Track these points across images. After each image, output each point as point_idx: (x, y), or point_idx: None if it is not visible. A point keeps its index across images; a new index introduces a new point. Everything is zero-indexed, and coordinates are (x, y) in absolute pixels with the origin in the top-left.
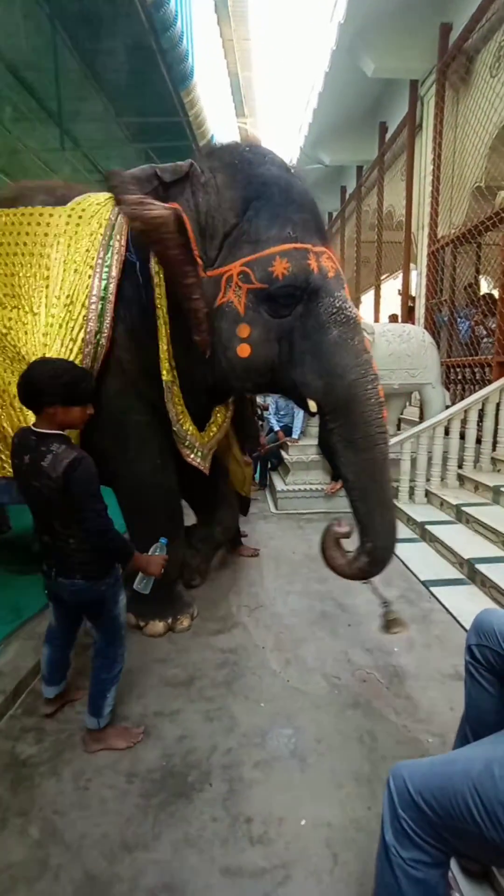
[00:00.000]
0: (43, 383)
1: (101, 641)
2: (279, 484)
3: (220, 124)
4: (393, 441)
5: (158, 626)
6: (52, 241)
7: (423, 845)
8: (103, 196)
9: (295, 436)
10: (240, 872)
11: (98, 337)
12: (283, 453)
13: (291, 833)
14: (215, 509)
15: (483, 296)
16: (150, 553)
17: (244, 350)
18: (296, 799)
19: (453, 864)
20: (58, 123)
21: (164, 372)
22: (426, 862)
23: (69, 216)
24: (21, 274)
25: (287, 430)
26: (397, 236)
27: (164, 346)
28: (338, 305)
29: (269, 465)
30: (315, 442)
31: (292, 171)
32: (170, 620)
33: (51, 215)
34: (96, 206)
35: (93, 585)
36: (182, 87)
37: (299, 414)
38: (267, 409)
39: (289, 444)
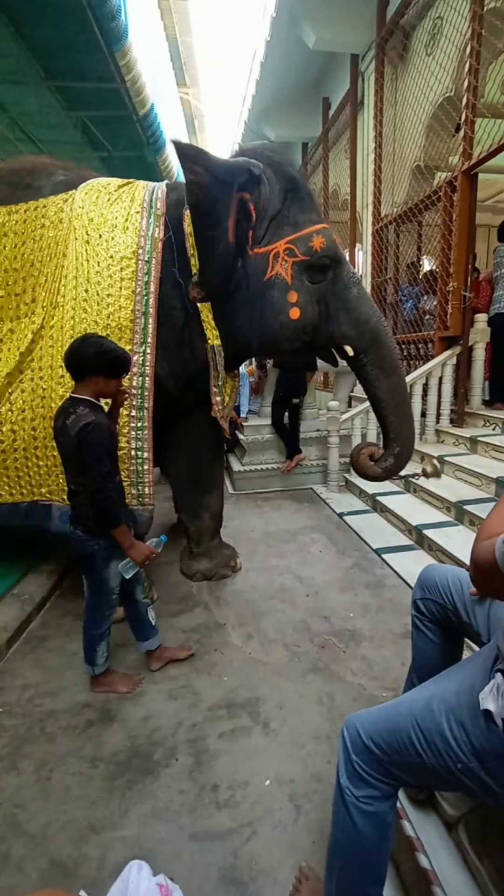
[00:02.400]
0: (91, 358)
1: (89, 599)
2: (236, 465)
3: (160, 93)
4: (344, 417)
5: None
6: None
7: (373, 783)
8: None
9: (243, 415)
10: (208, 835)
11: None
12: (238, 434)
13: (256, 794)
14: (204, 494)
15: (426, 273)
16: (148, 543)
17: (295, 313)
18: (260, 762)
19: (401, 795)
20: None
21: (212, 338)
22: (376, 796)
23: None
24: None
25: (236, 411)
26: (344, 216)
27: (206, 314)
28: (352, 271)
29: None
30: (269, 422)
31: (295, 165)
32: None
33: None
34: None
35: (86, 540)
36: (116, 48)
37: (244, 393)
38: None
39: (240, 423)
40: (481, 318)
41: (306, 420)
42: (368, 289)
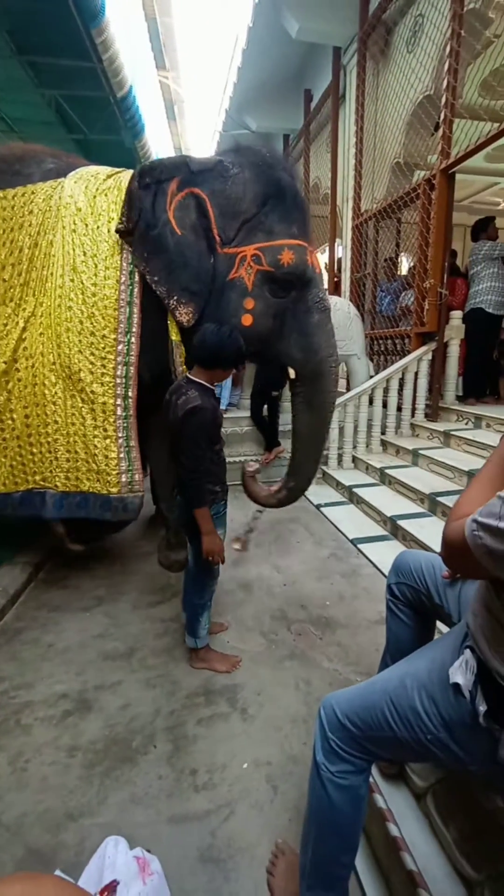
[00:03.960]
0: (231, 353)
1: (193, 566)
2: None
3: (139, 75)
4: None
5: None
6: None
7: (348, 758)
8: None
9: (223, 406)
10: (186, 817)
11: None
12: None
13: (234, 776)
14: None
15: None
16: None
17: (247, 319)
18: (238, 746)
19: (373, 771)
20: None
21: (174, 334)
22: (351, 771)
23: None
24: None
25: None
26: (325, 210)
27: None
28: (321, 296)
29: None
30: (248, 414)
31: (295, 176)
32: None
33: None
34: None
35: (188, 507)
36: (93, 24)
37: (227, 384)
38: None
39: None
40: (456, 315)
41: (285, 413)
42: (346, 283)
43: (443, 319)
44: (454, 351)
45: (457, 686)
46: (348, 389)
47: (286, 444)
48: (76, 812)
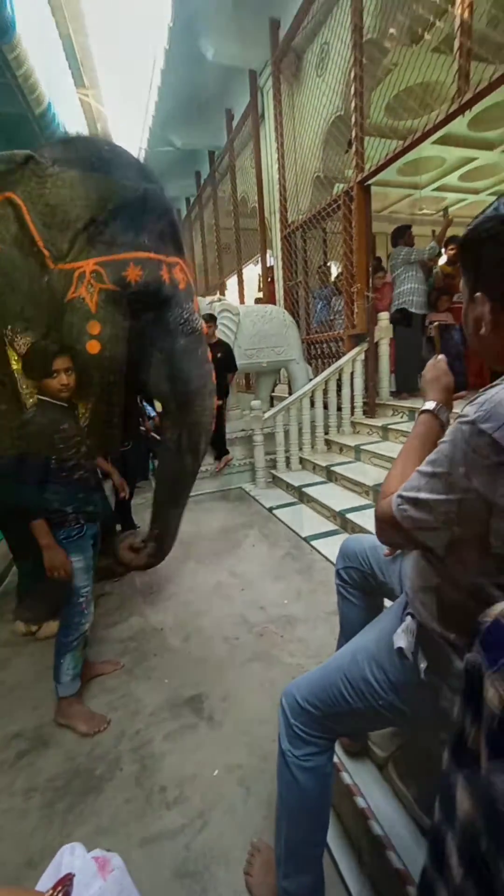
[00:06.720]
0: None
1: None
2: None
3: (56, 91)
4: (266, 416)
5: (53, 626)
6: None
7: (311, 740)
8: None
9: None
10: (159, 836)
11: None
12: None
13: (206, 785)
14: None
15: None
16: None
17: (94, 346)
18: (207, 755)
19: (338, 750)
20: None
21: (14, 363)
22: (315, 752)
23: None
24: None
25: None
26: (254, 223)
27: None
28: (185, 317)
29: (151, 454)
30: None
31: (153, 178)
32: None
33: None
34: None
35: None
36: (3, 40)
37: None
38: None
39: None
40: (384, 317)
41: (231, 421)
42: (280, 292)
43: (372, 321)
44: (384, 350)
45: (401, 650)
46: (290, 393)
47: (234, 452)
48: (37, 857)
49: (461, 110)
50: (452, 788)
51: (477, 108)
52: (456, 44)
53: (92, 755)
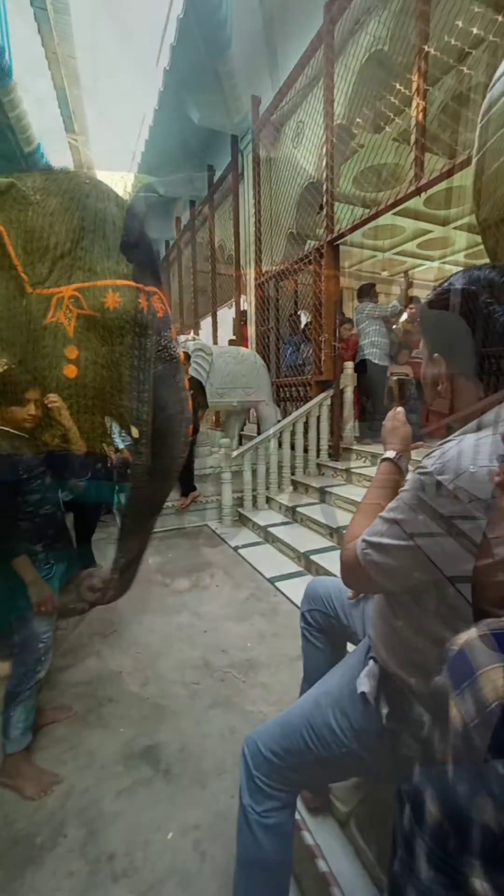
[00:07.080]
0: None
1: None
2: None
3: (47, 134)
4: (235, 454)
5: (5, 666)
6: None
7: (273, 794)
8: None
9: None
10: None
11: None
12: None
13: (158, 852)
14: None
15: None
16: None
17: (71, 371)
18: (162, 814)
19: (300, 806)
20: None
21: None
22: (277, 807)
23: None
24: None
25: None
26: (230, 269)
27: None
28: (163, 344)
29: (116, 487)
30: None
31: (132, 212)
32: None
33: None
34: None
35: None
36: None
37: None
38: None
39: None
40: (349, 366)
41: (199, 457)
42: (253, 335)
43: (338, 369)
44: (349, 397)
45: (364, 695)
46: (259, 433)
47: (202, 489)
48: None
49: (417, 192)
50: (421, 798)
51: (430, 191)
52: (412, 138)
53: (33, 819)
